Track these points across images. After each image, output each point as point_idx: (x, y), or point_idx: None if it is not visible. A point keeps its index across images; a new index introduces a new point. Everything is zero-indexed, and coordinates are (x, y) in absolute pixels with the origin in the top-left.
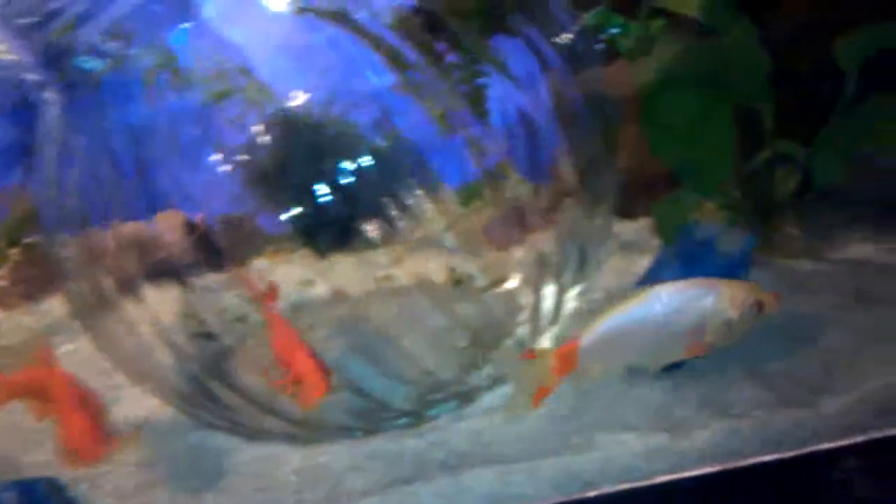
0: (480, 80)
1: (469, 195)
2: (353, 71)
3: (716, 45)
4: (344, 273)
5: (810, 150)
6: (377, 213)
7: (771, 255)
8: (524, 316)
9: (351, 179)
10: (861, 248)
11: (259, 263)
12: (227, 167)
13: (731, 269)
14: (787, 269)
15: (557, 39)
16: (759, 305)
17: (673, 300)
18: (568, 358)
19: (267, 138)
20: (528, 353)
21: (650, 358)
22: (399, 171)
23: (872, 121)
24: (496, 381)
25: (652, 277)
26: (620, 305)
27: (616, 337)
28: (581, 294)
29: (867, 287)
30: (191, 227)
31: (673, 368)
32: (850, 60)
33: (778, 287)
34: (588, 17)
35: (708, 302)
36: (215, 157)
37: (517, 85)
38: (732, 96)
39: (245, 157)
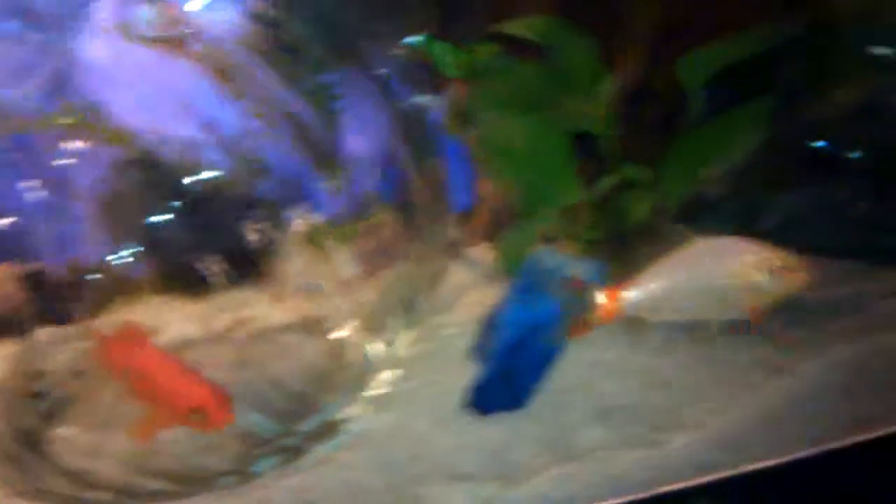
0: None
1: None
2: (205, 103)
3: (552, 68)
4: (195, 317)
5: (657, 172)
6: (232, 251)
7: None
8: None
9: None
10: None
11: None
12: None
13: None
14: None
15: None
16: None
17: (709, 258)
18: (611, 299)
19: (118, 176)
20: (577, 281)
21: (700, 312)
22: (256, 206)
23: (717, 139)
24: (326, 432)
25: (502, 310)
26: (666, 260)
27: (660, 289)
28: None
29: None
30: (29, 278)
31: (515, 407)
32: (693, 79)
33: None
34: (413, 44)
35: (738, 262)
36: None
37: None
38: (571, 121)
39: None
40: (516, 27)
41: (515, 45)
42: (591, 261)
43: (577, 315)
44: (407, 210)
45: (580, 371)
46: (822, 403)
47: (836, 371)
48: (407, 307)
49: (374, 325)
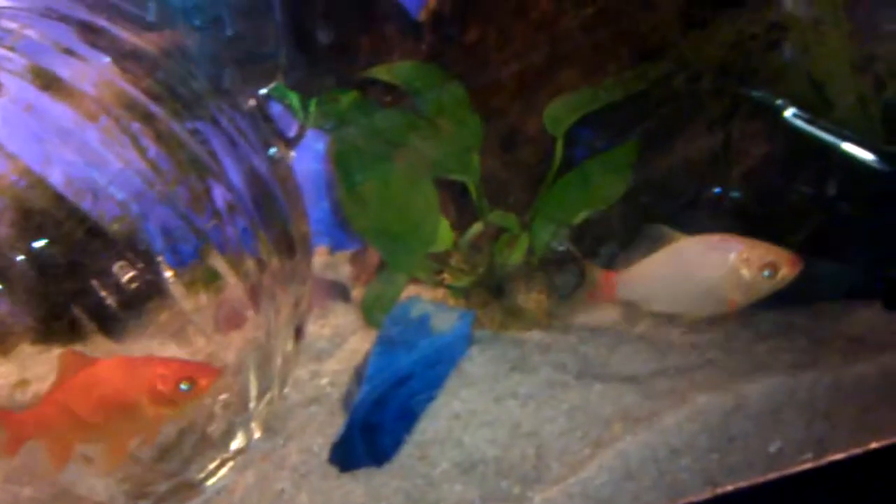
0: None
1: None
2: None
3: (419, 115)
4: None
5: (526, 219)
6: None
7: (504, 327)
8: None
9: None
10: (602, 314)
11: None
12: None
13: (449, 348)
14: (514, 342)
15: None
16: (775, 268)
17: (696, 253)
18: (607, 282)
19: None
20: (589, 263)
21: (682, 306)
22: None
23: (584, 185)
24: (183, 491)
25: (371, 362)
26: (658, 254)
27: (648, 279)
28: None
29: (593, 359)
30: None
31: (379, 461)
32: (558, 126)
33: (496, 365)
34: (264, 93)
35: (726, 259)
36: None
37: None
38: (438, 168)
39: None
40: (384, 72)
41: (392, 92)
42: (461, 308)
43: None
44: (269, 257)
45: (447, 422)
46: (681, 456)
47: (695, 422)
48: (269, 359)
49: (235, 379)
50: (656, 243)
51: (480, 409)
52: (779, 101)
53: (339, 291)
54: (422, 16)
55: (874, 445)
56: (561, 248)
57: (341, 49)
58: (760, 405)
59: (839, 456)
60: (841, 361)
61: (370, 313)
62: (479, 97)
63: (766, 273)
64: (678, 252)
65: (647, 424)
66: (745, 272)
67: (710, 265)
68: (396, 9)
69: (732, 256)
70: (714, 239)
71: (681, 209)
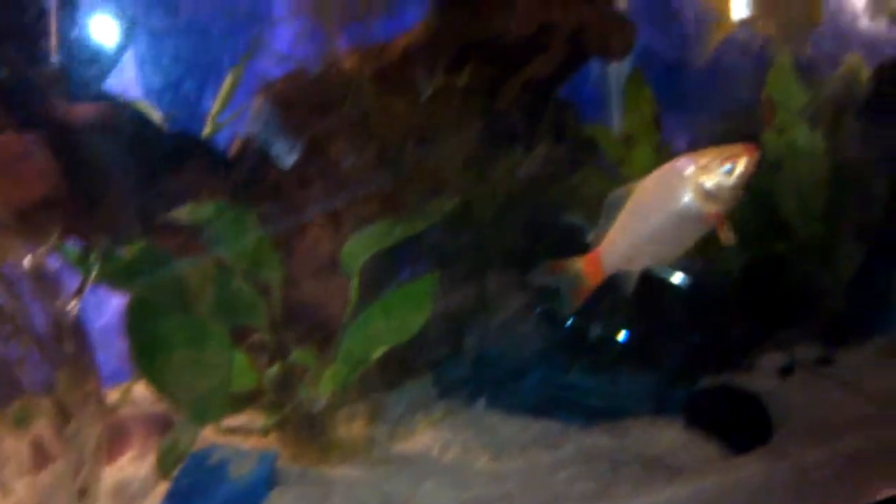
0: None
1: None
2: None
3: (216, 258)
4: None
5: (323, 359)
6: None
7: (321, 461)
8: None
9: None
10: (420, 439)
11: None
12: None
13: (248, 494)
14: (320, 481)
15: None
16: (734, 160)
17: (657, 189)
18: (593, 262)
19: None
20: (556, 265)
21: (670, 246)
22: None
23: (384, 318)
24: None
25: None
26: (623, 210)
27: (626, 237)
28: None
29: (395, 497)
30: None
31: None
32: (354, 263)
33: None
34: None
35: (684, 179)
36: None
37: None
38: (231, 317)
39: None
40: (185, 214)
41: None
42: (262, 450)
43: (572, 289)
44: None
45: None
46: None
47: None
48: None
49: None
50: (620, 204)
51: None
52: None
53: (164, 427)
54: (231, 151)
55: None
56: None
57: (144, 190)
58: None
59: None
60: (631, 491)
61: (162, 466)
62: (284, 234)
63: (726, 169)
64: (640, 198)
65: None
66: (707, 180)
67: (673, 193)
68: (202, 146)
69: (688, 172)
70: (665, 168)
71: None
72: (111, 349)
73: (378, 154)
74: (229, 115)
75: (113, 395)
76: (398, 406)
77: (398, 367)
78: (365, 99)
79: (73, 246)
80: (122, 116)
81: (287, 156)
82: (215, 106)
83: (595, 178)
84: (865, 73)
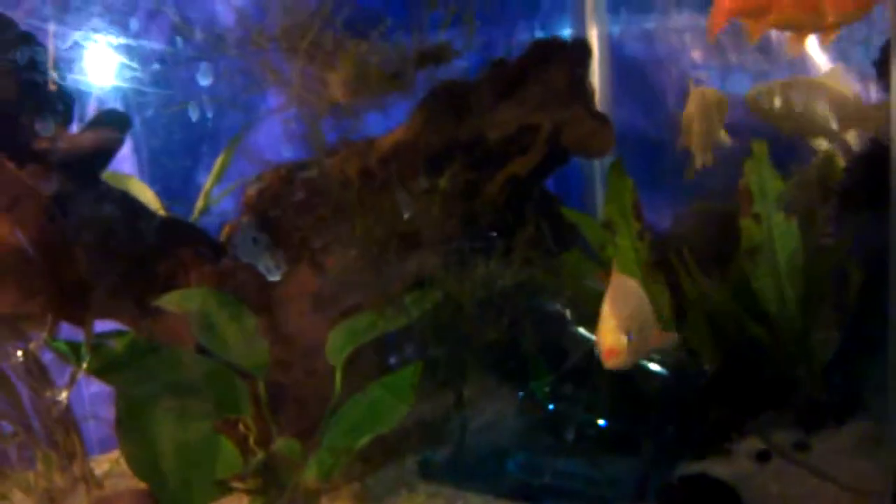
0: None
1: None
2: None
3: (200, 350)
4: None
5: (309, 446)
6: None
7: None
8: None
9: None
10: None
11: None
12: None
13: None
14: None
15: None
16: None
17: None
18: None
19: None
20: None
21: None
22: None
23: (367, 409)
24: None
25: None
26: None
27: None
28: None
29: None
30: None
31: None
32: (338, 355)
33: None
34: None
35: None
36: None
37: None
38: (216, 410)
39: None
40: (172, 300)
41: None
42: None
43: None
44: None
45: None
46: None
47: None
48: None
49: None
50: None
51: None
52: (566, 312)
53: (153, 501)
54: (221, 236)
55: None
56: None
57: (135, 275)
58: None
59: None
60: None
61: None
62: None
63: None
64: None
65: None
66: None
67: None
68: (193, 232)
69: None
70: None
71: None
72: (102, 418)
73: (362, 250)
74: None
75: (103, 465)
76: (383, 488)
77: (383, 451)
78: (350, 196)
79: (62, 339)
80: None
81: (273, 272)
82: (208, 181)
83: (577, 262)
84: (840, 162)
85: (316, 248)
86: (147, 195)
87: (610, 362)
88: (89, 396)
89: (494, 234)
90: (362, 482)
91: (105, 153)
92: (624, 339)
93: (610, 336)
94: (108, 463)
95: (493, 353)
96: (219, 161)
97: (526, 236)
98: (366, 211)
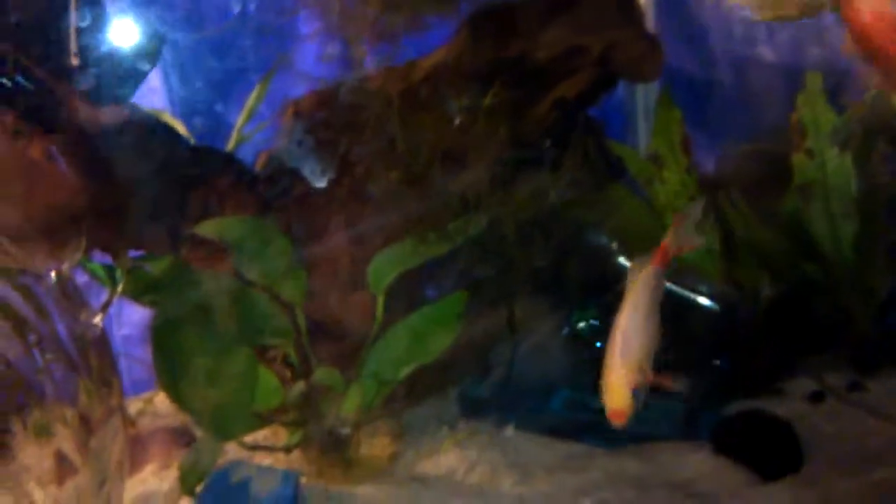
0: None
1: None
2: None
3: (234, 280)
4: None
5: (347, 377)
6: None
7: (345, 480)
8: None
9: None
10: (445, 459)
11: None
12: None
13: None
14: (344, 499)
15: None
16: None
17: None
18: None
19: None
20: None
21: None
22: None
23: (411, 338)
24: None
25: None
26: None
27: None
28: None
29: None
30: None
31: None
32: (380, 282)
33: None
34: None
35: None
36: None
37: None
38: (254, 337)
39: None
40: (211, 228)
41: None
42: (286, 469)
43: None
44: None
45: None
46: None
47: None
48: None
49: None
50: None
51: None
52: (613, 244)
53: (186, 439)
54: (257, 165)
55: None
56: None
57: (169, 204)
58: None
59: None
60: None
61: (185, 483)
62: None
63: None
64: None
65: None
66: None
67: None
68: (230, 160)
69: None
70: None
71: None
72: (134, 358)
73: (405, 173)
74: (253, 128)
75: (135, 405)
76: (423, 424)
77: (423, 385)
78: (392, 118)
79: (98, 260)
80: (149, 125)
81: (319, 176)
82: (241, 118)
83: (623, 197)
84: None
85: (357, 168)
86: (180, 130)
87: (616, 423)
88: (120, 338)
89: (549, 146)
90: (400, 419)
91: (136, 74)
92: (630, 399)
93: (616, 397)
94: (141, 402)
95: (540, 279)
96: (251, 97)
97: (575, 160)
98: (408, 129)
